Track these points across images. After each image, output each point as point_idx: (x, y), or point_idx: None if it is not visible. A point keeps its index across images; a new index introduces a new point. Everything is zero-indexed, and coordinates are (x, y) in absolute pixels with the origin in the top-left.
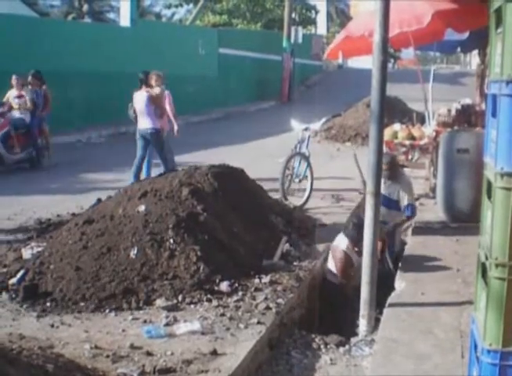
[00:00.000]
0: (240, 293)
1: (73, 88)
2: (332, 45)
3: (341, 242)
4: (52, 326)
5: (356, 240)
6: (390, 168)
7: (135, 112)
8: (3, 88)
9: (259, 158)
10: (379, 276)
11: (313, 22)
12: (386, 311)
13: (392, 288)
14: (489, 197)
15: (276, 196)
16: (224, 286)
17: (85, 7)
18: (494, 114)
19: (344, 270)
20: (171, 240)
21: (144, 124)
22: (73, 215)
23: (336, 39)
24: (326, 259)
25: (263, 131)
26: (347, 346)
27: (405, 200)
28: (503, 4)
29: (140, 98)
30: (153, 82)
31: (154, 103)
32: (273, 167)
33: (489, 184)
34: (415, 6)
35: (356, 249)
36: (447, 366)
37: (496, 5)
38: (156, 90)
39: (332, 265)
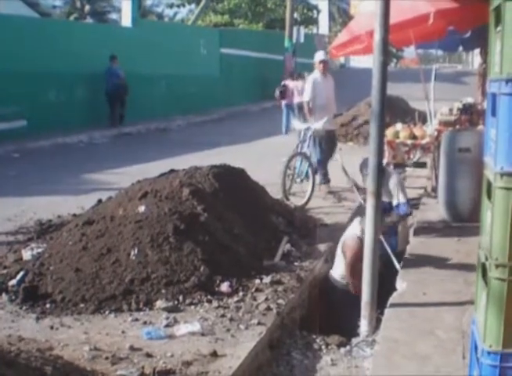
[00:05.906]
0: (241, 293)
1: (76, 88)
2: (334, 45)
3: (355, 229)
4: (52, 327)
5: None
6: None
7: (281, 93)
8: (6, 89)
9: (261, 158)
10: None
11: (315, 21)
12: (387, 311)
13: (392, 285)
14: (489, 197)
15: (278, 196)
16: (224, 287)
17: (87, 7)
18: (494, 113)
19: (358, 261)
20: (172, 241)
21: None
22: (74, 215)
23: (338, 38)
24: (328, 261)
25: (265, 130)
26: (348, 347)
27: (395, 200)
28: (502, 2)
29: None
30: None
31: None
32: (276, 167)
33: (489, 184)
34: (416, 6)
35: None
36: (448, 368)
37: (495, 3)
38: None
39: (337, 270)
